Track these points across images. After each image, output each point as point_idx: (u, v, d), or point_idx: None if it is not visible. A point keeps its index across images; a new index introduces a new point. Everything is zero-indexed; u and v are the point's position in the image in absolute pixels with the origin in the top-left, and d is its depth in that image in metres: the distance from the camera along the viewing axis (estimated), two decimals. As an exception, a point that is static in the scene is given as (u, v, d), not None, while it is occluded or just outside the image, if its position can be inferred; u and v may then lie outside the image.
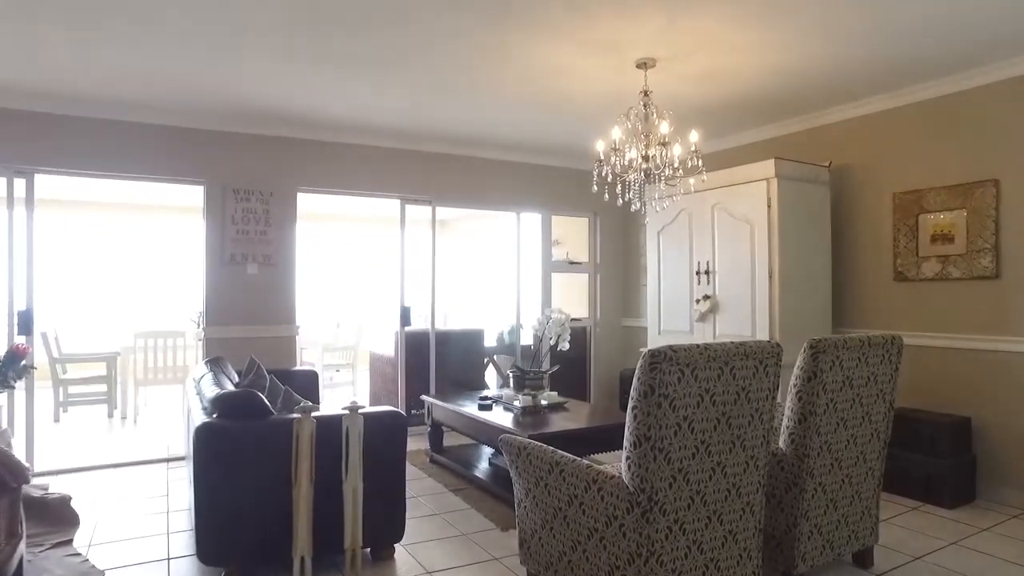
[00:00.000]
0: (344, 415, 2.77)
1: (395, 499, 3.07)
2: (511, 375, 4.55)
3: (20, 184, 4.56)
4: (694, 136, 3.76)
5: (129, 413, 6.59)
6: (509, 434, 2.87)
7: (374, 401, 6.61)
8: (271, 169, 5.18)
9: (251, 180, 5.09)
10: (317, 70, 4.00)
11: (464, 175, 6.01)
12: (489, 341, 6.74)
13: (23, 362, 3.84)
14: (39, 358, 7.18)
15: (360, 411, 2.76)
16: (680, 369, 2.19)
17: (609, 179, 3.87)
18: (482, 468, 4.52)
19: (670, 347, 2.21)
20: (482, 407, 4.42)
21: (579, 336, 6.84)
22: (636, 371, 2.23)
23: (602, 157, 3.92)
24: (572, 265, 6.76)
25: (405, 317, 5.78)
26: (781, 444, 2.79)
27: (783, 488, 2.75)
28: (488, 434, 4.16)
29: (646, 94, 3.83)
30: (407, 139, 5.58)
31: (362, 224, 10.57)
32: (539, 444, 2.63)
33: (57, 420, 6.47)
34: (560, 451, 2.56)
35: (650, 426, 2.17)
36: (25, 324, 4.55)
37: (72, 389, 6.61)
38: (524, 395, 4.44)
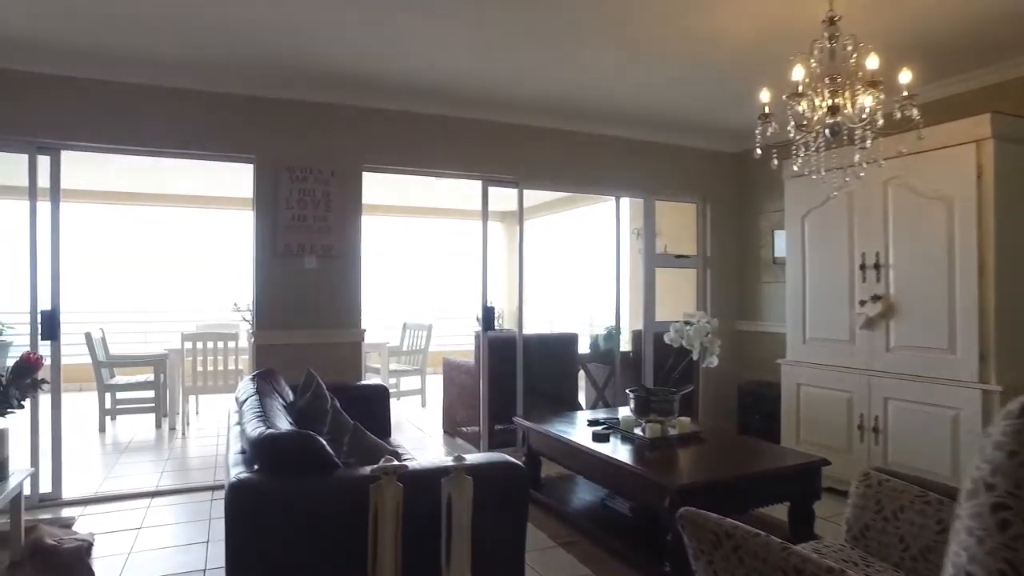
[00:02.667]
0: (445, 475, 1.86)
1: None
2: (632, 396, 3.59)
3: (44, 163, 3.85)
4: (905, 76, 2.70)
5: (178, 424, 5.91)
6: (691, 508, 1.90)
7: (448, 415, 5.75)
8: (332, 143, 4.35)
9: (309, 156, 4.27)
10: (396, 17, 3.13)
11: (555, 152, 5.07)
12: (578, 347, 5.78)
13: (33, 376, 3.10)
14: (82, 359, 6.65)
15: (467, 463, 1.85)
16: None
17: (792, 134, 2.84)
18: (594, 513, 3.58)
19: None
20: (597, 437, 3.47)
21: (683, 342, 5.82)
22: (998, 425, 1.24)
23: (767, 111, 2.92)
24: (678, 259, 5.74)
25: (488, 319, 4.88)
26: None
27: None
28: (609, 475, 3.22)
29: (832, 22, 2.80)
30: (493, 107, 4.65)
31: (424, 217, 9.76)
32: (762, 536, 1.66)
33: (103, 430, 5.85)
34: (802, 552, 1.58)
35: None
36: (49, 327, 3.83)
37: (119, 395, 6.00)
38: (649, 422, 3.47)
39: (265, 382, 3.08)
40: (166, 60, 3.74)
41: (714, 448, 3.38)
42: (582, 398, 5.84)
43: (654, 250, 5.58)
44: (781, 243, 5.26)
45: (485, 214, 4.90)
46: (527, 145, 4.95)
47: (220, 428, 5.98)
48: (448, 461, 1.93)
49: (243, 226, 7.77)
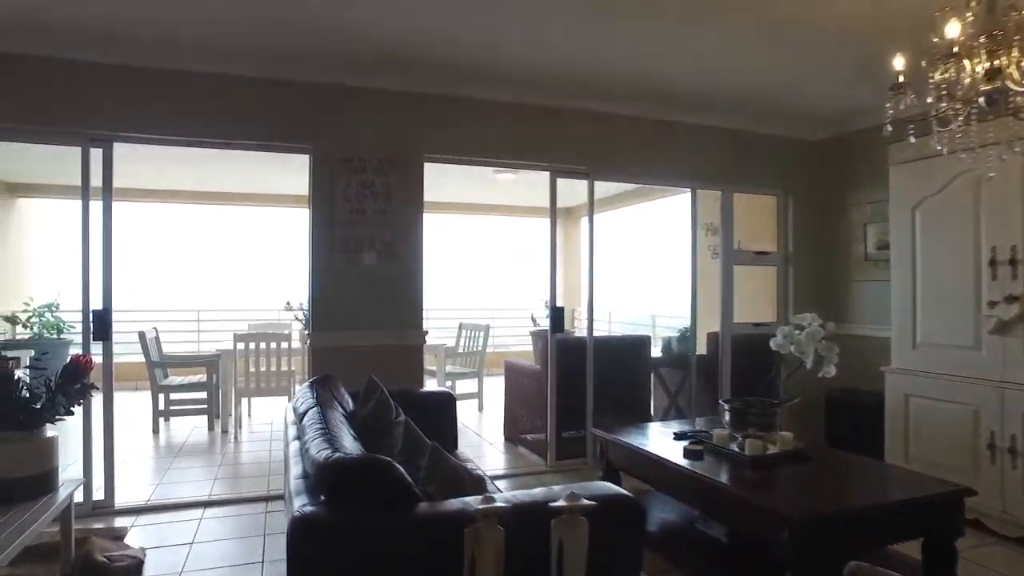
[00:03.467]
0: (554, 514, 1.52)
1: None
2: (727, 408, 3.19)
3: (96, 158, 3.66)
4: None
5: (230, 427, 5.74)
6: (865, 565, 1.51)
7: (510, 421, 5.42)
8: (391, 131, 4.07)
9: (367, 145, 3.99)
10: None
11: (628, 141, 4.68)
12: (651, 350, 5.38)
13: (83, 381, 2.88)
14: (139, 357, 6.57)
15: (581, 503, 1.50)
16: None
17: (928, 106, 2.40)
18: (686, 537, 3.20)
19: None
20: (689, 454, 3.09)
21: (760, 344, 5.36)
22: None
23: (901, 79, 2.49)
24: (758, 256, 5.28)
25: (557, 321, 4.52)
26: None
27: None
28: (705, 497, 2.83)
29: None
30: (564, 91, 4.27)
31: (476, 215, 9.48)
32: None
33: (156, 431, 5.73)
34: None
35: None
36: (101, 327, 3.64)
37: (172, 395, 5.87)
38: (748, 437, 3.06)
39: (324, 390, 2.80)
40: (219, 45, 3.50)
41: (827, 470, 2.97)
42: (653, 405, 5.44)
43: (732, 246, 5.14)
44: (877, 237, 4.77)
45: (553, 208, 4.55)
46: (598, 133, 4.59)
47: (273, 431, 5.79)
48: (554, 493, 1.59)
49: (297, 223, 7.62)
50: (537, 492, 1.72)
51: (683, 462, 3.01)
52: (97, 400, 3.55)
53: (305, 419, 2.28)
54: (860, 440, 4.29)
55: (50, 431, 2.79)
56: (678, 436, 3.42)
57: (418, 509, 1.61)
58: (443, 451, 1.91)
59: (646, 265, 8.37)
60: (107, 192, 3.68)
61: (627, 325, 10.30)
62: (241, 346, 5.47)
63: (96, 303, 3.66)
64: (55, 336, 7.58)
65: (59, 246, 7.58)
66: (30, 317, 7.57)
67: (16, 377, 2.81)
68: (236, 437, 5.57)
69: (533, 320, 9.50)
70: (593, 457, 4.59)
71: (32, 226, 8.35)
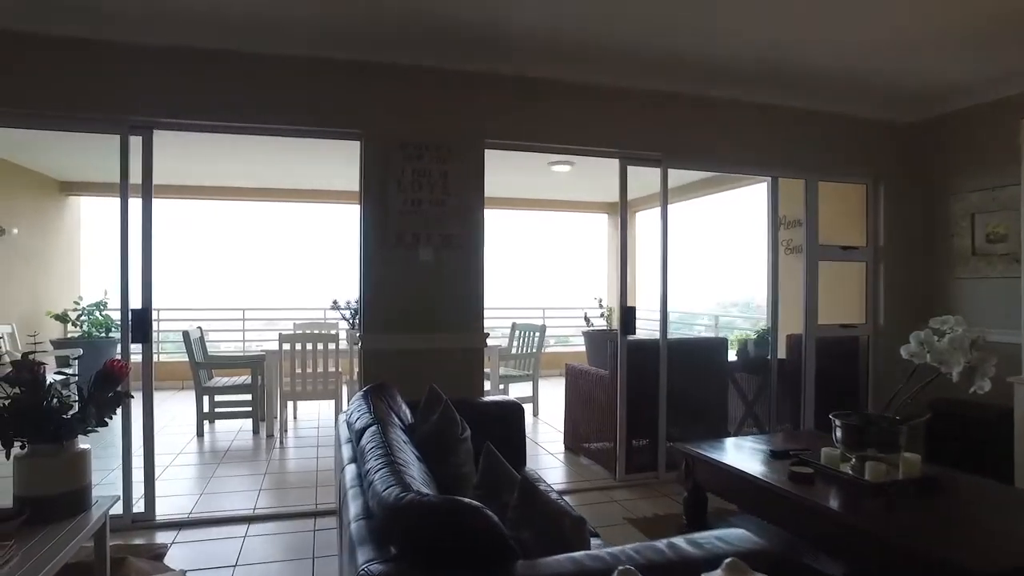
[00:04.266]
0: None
1: None
2: (840, 424, 2.75)
3: (136, 145, 3.42)
4: None
5: (275, 431, 5.50)
6: None
7: (571, 429, 5.04)
8: (450, 115, 3.73)
9: (424, 130, 3.67)
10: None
11: (703, 124, 4.26)
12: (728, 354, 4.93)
13: (117, 389, 2.61)
14: (182, 356, 6.43)
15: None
16: None
17: None
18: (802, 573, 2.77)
19: None
20: (797, 477, 2.67)
21: (847, 349, 4.88)
22: None
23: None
24: (845, 251, 4.79)
25: (628, 322, 4.11)
26: None
27: None
28: (824, 531, 2.41)
29: None
30: (634, 71, 3.88)
31: (530, 211, 9.12)
32: None
33: (200, 434, 5.52)
34: None
35: None
36: (140, 327, 3.40)
37: (217, 397, 5.67)
38: (866, 459, 2.63)
39: (381, 401, 2.48)
40: (264, 20, 3.20)
41: (973, 503, 2.51)
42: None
43: (817, 240, 4.66)
44: (990, 229, 4.25)
45: (624, 199, 4.15)
46: (671, 116, 4.17)
47: (319, 436, 5.54)
48: (689, 552, 1.21)
49: (344, 218, 7.38)
50: (667, 548, 1.33)
51: (790, 487, 2.60)
52: (138, 403, 3.31)
53: (364, 440, 1.95)
54: (974, 461, 3.79)
55: (83, 443, 2.53)
56: (776, 454, 3.00)
57: (517, 570, 1.25)
58: (534, 485, 1.55)
59: (709, 262, 7.90)
60: (147, 182, 3.43)
61: (684, 326, 9.81)
62: (287, 346, 5.22)
63: (136, 302, 3.42)
64: (104, 335, 7.51)
65: (107, 244, 7.51)
66: (80, 315, 7.52)
67: (50, 383, 2.56)
68: (282, 442, 5.33)
69: (586, 319, 9.09)
70: (665, 470, 4.19)
71: (83, 224, 8.34)
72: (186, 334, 5.45)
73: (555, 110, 3.93)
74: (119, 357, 2.85)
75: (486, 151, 3.79)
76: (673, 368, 4.26)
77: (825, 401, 4.54)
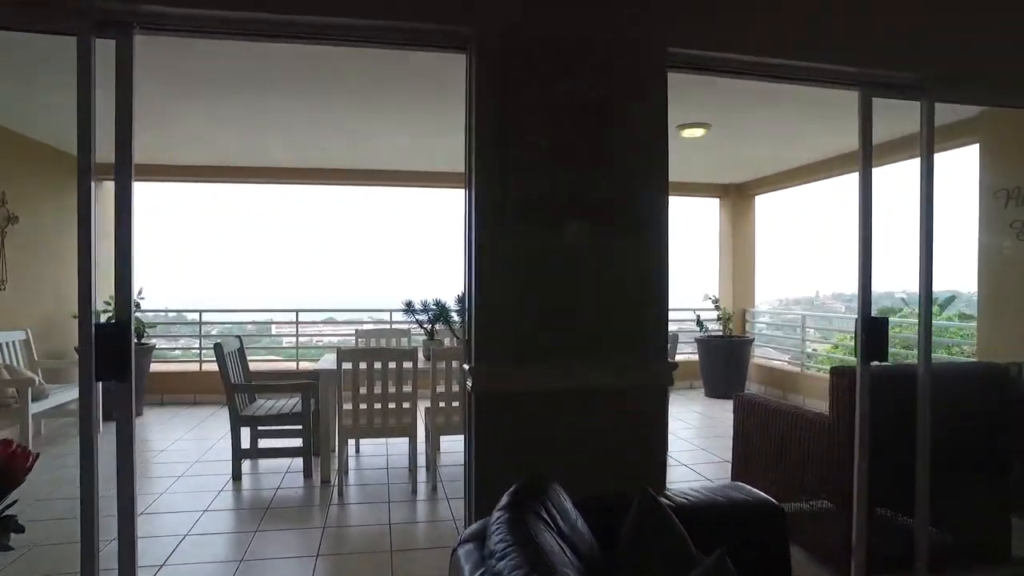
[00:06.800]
0: None
1: None
2: None
3: (105, 52, 2.08)
4: None
5: (332, 475, 4.19)
6: None
7: (741, 479, 3.52)
8: (610, 10, 2.28)
9: (568, 32, 2.22)
10: None
11: (990, 26, 2.69)
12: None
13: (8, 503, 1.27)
14: (208, 379, 5.20)
15: None
16: None
17: None
18: None
19: None
20: None
21: None
22: None
23: None
24: None
25: (873, 342, 2.51)
26: None
27: None
28: None
29: None
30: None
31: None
32: None
33: (237, 477, 4.25)
34: None
35: None
36: (116, 352, 2.07)
37: (259, 428, 4.42)
38: None
39: (538, 522, 1.06)
40: None
41: None
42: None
43: None
44: None
45: (868, 149, 2.62)
46: (939, 15, 2.62)
47: (391, 483, 4.22)
48: None
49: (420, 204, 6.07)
50: None
51: None
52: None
53: None
54: None
55: None
56: None
57: None
58: None
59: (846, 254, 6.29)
60: (124, 127, 2.11)
61: (784, 325, 8.17)
62: (347, 365, 3.88)
63: (118, 311, 2.10)
64: (136, 340, 6.43)
65: (141, 232, 6.43)
66: (110, 318, 6.44)
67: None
68: (341, 491, 4.00)
69: (699, 323, 7.54)
70: (927, 570, 2.65)
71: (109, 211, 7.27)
72: (218, 347, 4.18)
73: (762, 8, 2.43)
74: (14, 439, 1.51)
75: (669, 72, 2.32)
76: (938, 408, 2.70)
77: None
